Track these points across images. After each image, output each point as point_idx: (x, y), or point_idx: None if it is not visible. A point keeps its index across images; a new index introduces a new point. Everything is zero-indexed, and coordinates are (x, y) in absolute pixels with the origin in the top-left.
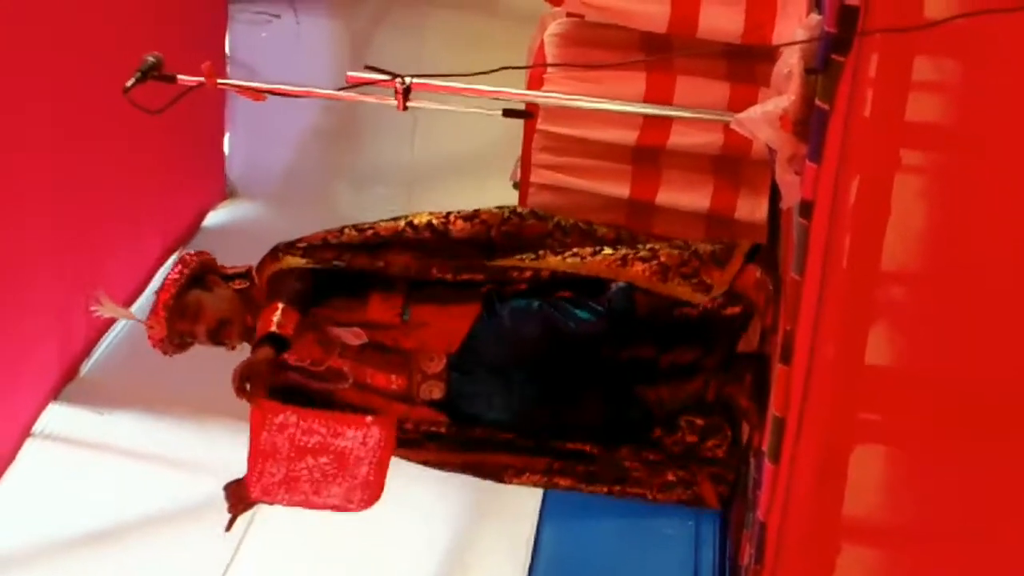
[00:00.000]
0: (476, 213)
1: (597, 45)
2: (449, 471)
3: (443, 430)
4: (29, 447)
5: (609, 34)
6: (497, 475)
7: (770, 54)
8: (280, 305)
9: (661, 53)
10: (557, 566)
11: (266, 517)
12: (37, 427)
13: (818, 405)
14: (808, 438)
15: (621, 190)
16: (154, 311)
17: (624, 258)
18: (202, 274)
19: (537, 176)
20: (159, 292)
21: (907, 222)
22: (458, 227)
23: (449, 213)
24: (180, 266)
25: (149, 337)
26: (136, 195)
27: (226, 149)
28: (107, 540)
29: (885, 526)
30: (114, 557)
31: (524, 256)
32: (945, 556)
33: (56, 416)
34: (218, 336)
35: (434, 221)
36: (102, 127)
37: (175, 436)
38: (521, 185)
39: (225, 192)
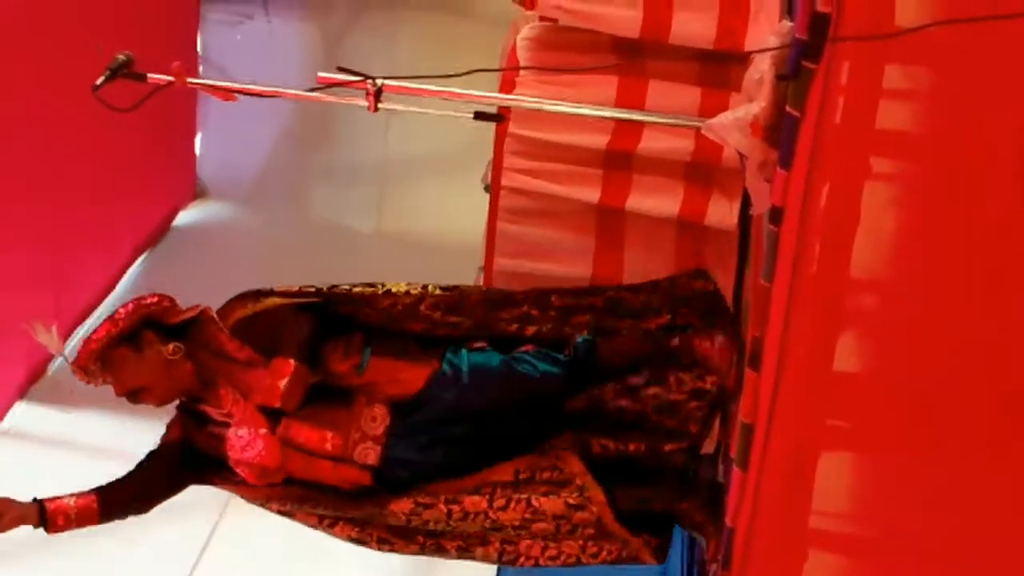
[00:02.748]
0: (455, 287)
1: (569, 49)
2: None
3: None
4: None
5: (581, 38)
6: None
7: (742, 60)
8: (292, 363)
9: (634, 58)
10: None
11: (232, 519)
12: (4, 425)
13: (786, 411)
14: (776, 444)
15: (591, 194)
16: (81, 353)
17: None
18: (138, 330)
19: (508, 179)
20: (86, 341)
21: (876, 229)
22: (436, 294)
23: (426, 285)
24: (124, 314)
25: (72, 369)
26: (107, 194)
27: (197, 149)
28: (72, 538)
29: (852, 533)
30: (79, 555)
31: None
32: (911, 564)
33: (23, 414)
34: (133, 399)
35: (411, 290)
36: (73, 126)
37: (141, 435)
38: (492, 188)
39: (196, 192)
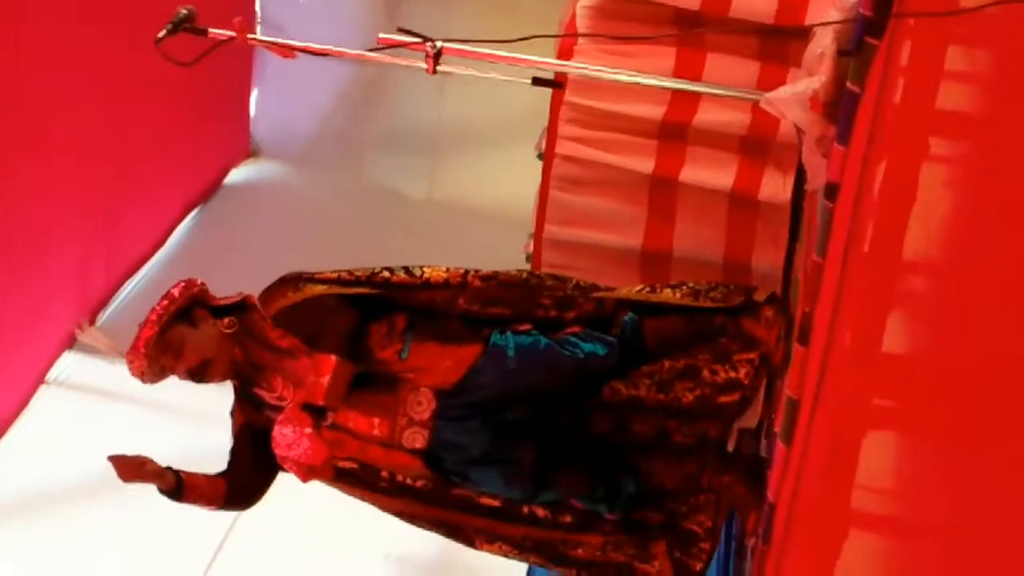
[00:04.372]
0: (494, 275)
1: (629, 19)
2: (420, 526)
3: (421, 485)
4: (43, 394)
5: (641, 9)
6: (469, 539)
7: (802, 35)
8: (334, 360)
9: (693, 30)
10: None
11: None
12: (51, 374)
13: (833, 388)
14: (821, 420)
15: (645, 165)
16: (135, 347)
17: (653, 287)
18: (189, 308)
19: (562, 148)
20: (142, 327)
21: (932, 211)
22: (476, 286)
23: (467, 272)
24: (166, 301)
25: (128, 368)
26: (160, 149)
27: (252, 108)
28: (117, 488)
29: (894, 513)
30: (123, 503)
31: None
32: (952, 548)
33: (71, 364)
34: (199, 376)
35: (451, 280)
36: (130, 80)
37: (186, 388)
38: (546, 156)
39: (249, 150)
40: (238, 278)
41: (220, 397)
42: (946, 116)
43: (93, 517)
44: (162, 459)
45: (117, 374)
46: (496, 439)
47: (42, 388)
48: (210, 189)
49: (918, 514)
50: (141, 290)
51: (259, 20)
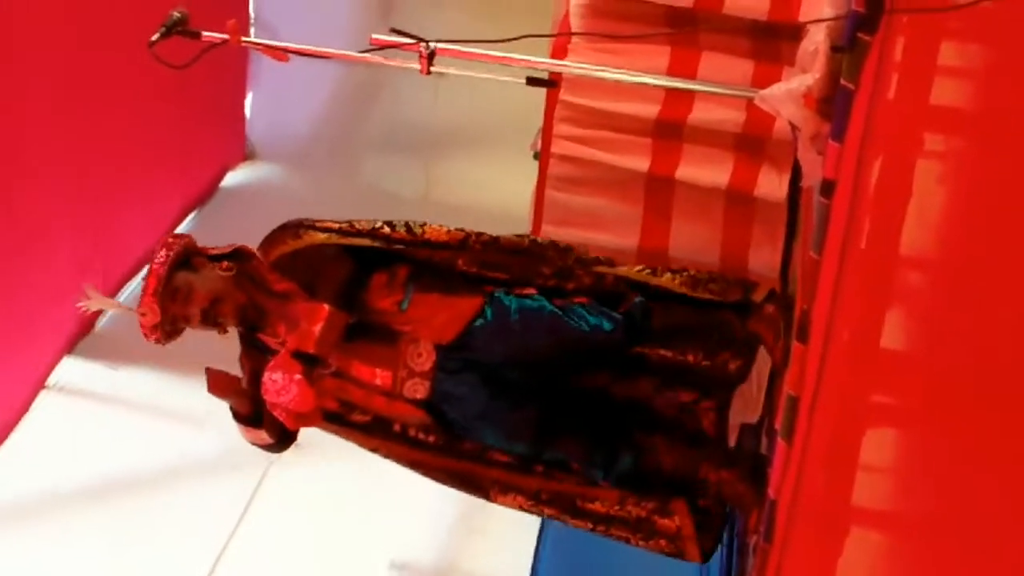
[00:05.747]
0: (495, 239)
1: (623, 17)
2: (436, 478)
3: (432, 440)
4: (43, 399)
5: (635, 7)
6: (484, 490)
7: (795, 33)
8: (327, 308)
9: (686, 28)
10: (565, 540)
11: (276, 477)
12: (51, 380)
13: (832, 385)
14: (821, 418)
15: (641, 163)
16: (144, 298)
17: (655, 269)
18: (187, 257)
19: (558, 147)
20: (147, 278)
21: (927, 206)
22: (476, 249)
23: (467, 235)
24: (164, 250)
25: (141, 326)
26: (156, 153)
27: (248, 110)
28: (117, 493)
29: (895, 510)
30: (124, 509)
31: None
32: (953, 544)
33: (70, 369)
34: (212, 316)
35: (451, 241)
36: (124, 83)
37: (186, 393)
38: (541, 155)
39: (245, 153)
40: None
41: (217, 403)
42: (940, 111)
43: (93, 523)
44: (162, 463)
45: (117, 379)
46: (495, 396)
47: (42, 393)
48: (207, 192)
49: (919, 510)
50: (139, 294)
51: (253, 22)
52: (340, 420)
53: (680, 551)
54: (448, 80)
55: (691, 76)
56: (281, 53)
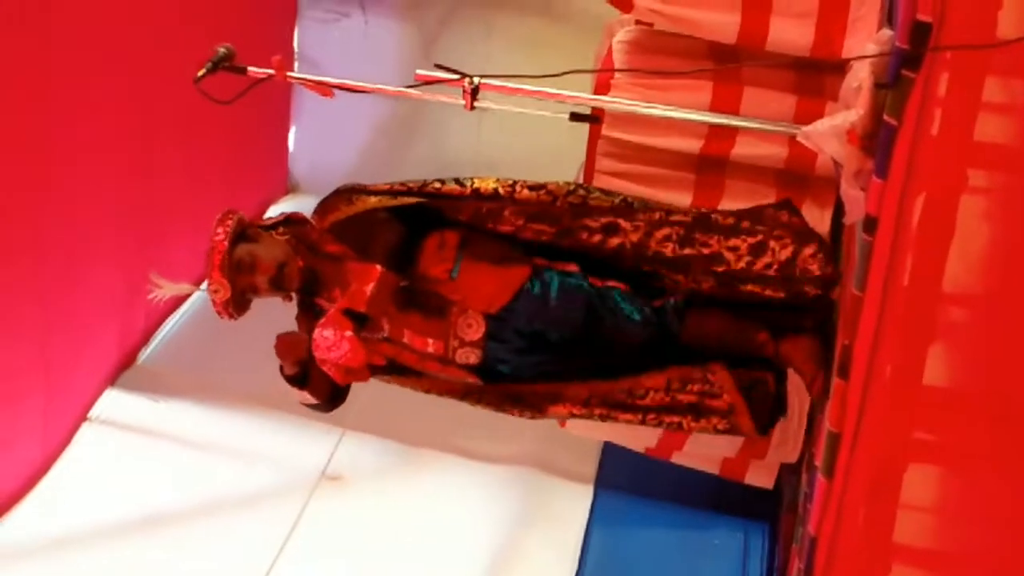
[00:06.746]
0: (543, 185)
1: (665, 53)
2: (487, 405)
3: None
4: (85, 431)
5: (677, 43)
6: (537, 406)
7: (838, 68)
8: (378, 269)
9: (729, 64)
10: (604, 572)
11: (316, 511)
12: (93, 412)
13: (874, 422)
14: (862, 454)
15: (683, 199)
16: (211, 275)
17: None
18: (242, 229)
19: (600, 182)
20: (209, 255)
21: (971, 243)
22: (524, 196)
23: (516, 182)
24: (220, 227)
25: (213, 303)
26: (200, 186)
27: (291, 144)
28: (158, 526)
29: (937, 547)
30: (165, 543)
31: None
32: None
33: (112, 402)
34: (280, 281)
35: (500, 189)
36: (169, 118)
37: (228, 426)
38: None
39: (287, 186)
40: (282, 312)
41: (260, 437)
42: (984, 148)
43: (134, 555)
44: (201, 496)
45: (158, 412)
46: (545, 352)
47: (84, 426)
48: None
49: (961, 549)
50: (181, 328)
51: (297, 57)
52: (389, 370)
53: (734, 426)
54: (491, 115)
55: (734, 111)
56: (326, 88)
